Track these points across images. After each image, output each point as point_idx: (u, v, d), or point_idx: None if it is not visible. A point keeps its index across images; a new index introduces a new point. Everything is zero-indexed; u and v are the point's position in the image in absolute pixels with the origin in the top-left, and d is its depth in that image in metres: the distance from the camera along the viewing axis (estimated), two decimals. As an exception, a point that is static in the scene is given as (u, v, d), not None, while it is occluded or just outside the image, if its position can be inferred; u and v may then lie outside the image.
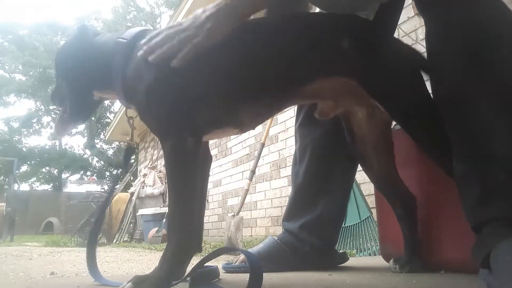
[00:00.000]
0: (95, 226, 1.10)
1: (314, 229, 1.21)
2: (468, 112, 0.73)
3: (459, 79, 0.75)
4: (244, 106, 0.89)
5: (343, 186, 1.27)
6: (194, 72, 0.84)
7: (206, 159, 1.01)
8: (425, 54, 0.87)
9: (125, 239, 6.20)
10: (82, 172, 21.05)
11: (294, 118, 1.33)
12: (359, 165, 1.26)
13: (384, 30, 0.98)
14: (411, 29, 2.37)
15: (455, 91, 0.76)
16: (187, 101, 0.83)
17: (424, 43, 0.85)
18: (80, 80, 0.94)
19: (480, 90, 0.73)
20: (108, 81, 0.90)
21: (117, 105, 10.76)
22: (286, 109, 1.06)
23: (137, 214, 6.22)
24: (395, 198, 1.09)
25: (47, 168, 20.74)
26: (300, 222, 1.22)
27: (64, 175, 20.85)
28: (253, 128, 0.97)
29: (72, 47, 0.95)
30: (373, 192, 1.32)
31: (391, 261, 1.09)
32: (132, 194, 6.88)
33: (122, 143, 13.46)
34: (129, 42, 0.89)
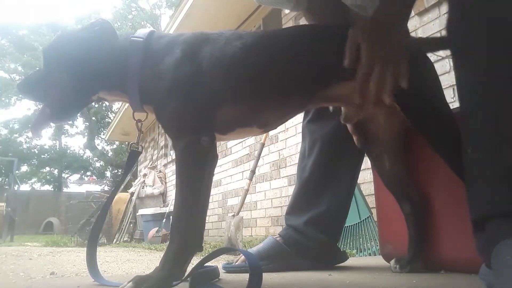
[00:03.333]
0: (95, 226, 1.08)
1: (319, 224, 1.21)
2: (494, 95, 0.71)
3: (484, 62, 0.73)
4: (269, 106, 0.90)
5: (348, 182, 1.27)
6: (218, 72, 0.85)
7: (212, 158, 1.02)
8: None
9: (125, 239, 6.20)
10: (82, 172, 21.07)
11: (293, 118, 1.34)
12: (360, 164, 1.27)
13: None
14: (411, 29, 2.36)
15: (479, 75, 0.74)
16: (207, 100, 0.84)
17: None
18: (88, 77, 0.87)
19: (505, 73, 0.70)
20: (120, 81, 0.87)
21: (117, 105, 10.74)
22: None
23: (137, 214, 6.23)
24: (404, 198, 1.08)
25: (47, 168, 20.76)
26: (306, 217, 1.22)
27: (64, 175, 20.87)
28: (275, 128, 0.98)
29: (89, 41, 0.87)
30: (373, 192, 1.32)
31: (393, 261, 1.09)
32: (132, 194, 6.88)
33: (125, 142, 13.40)
34: (146, 40, 0.87)
